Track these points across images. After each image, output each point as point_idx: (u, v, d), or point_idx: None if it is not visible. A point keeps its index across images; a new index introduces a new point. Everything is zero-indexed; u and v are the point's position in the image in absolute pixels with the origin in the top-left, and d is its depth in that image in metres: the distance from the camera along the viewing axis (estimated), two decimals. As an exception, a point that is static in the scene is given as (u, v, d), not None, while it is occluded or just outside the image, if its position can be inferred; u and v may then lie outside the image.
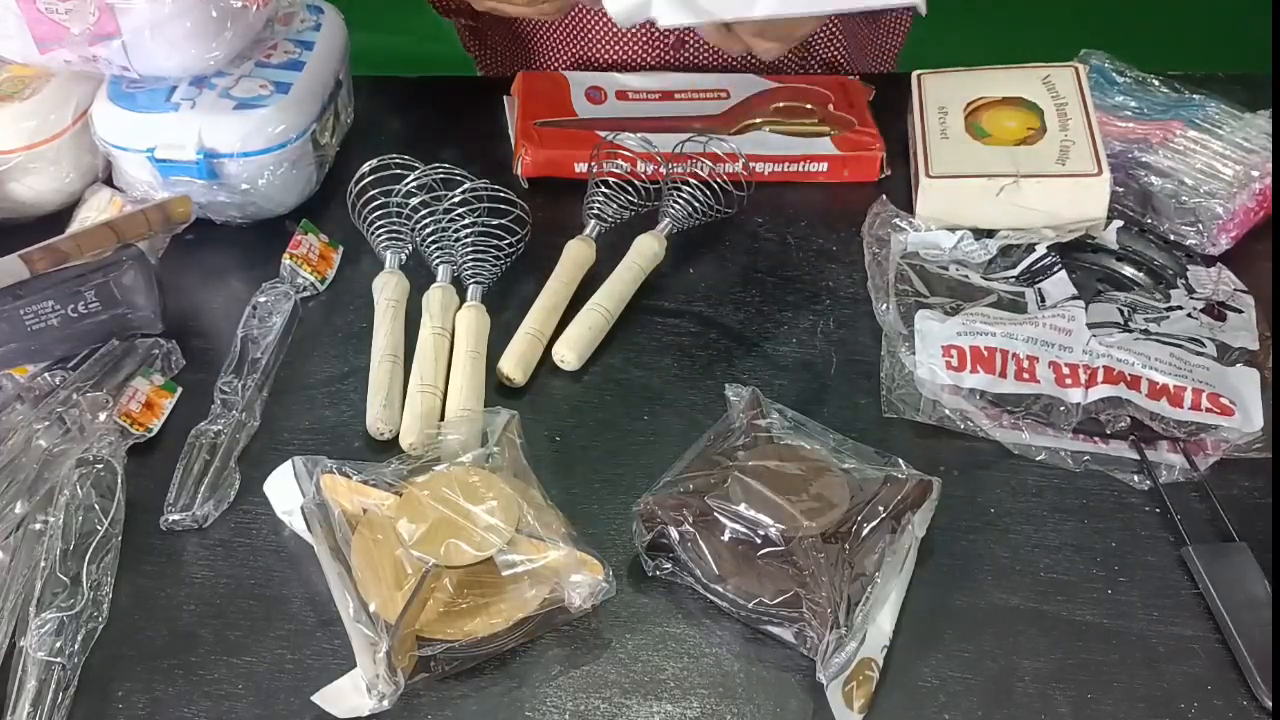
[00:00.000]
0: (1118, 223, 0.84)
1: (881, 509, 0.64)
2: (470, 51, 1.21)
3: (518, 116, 0.95)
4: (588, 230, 0.86)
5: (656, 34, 1.03)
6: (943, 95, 0.93)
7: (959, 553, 0.68)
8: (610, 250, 0.84)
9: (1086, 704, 0.61)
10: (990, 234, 0.85)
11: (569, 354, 0.78)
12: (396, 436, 0.73)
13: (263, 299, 0.81)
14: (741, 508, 0.63)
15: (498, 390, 0.77)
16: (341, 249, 0.87)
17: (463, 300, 0.81)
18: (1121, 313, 0.78)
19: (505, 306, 0.82)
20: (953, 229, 0.85)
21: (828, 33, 1.06)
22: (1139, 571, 0.67)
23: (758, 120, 0.96)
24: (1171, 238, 0.85)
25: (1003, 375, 0.74)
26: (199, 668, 0.62)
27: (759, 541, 0.63)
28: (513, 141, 0.95)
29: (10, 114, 0.85)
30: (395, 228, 0.85)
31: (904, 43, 1.15)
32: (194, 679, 0.62)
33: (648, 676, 0.62)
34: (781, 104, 0.97)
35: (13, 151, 0.85)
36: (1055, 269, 0.81)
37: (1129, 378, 0.73)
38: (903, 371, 0.77)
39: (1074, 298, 0.78)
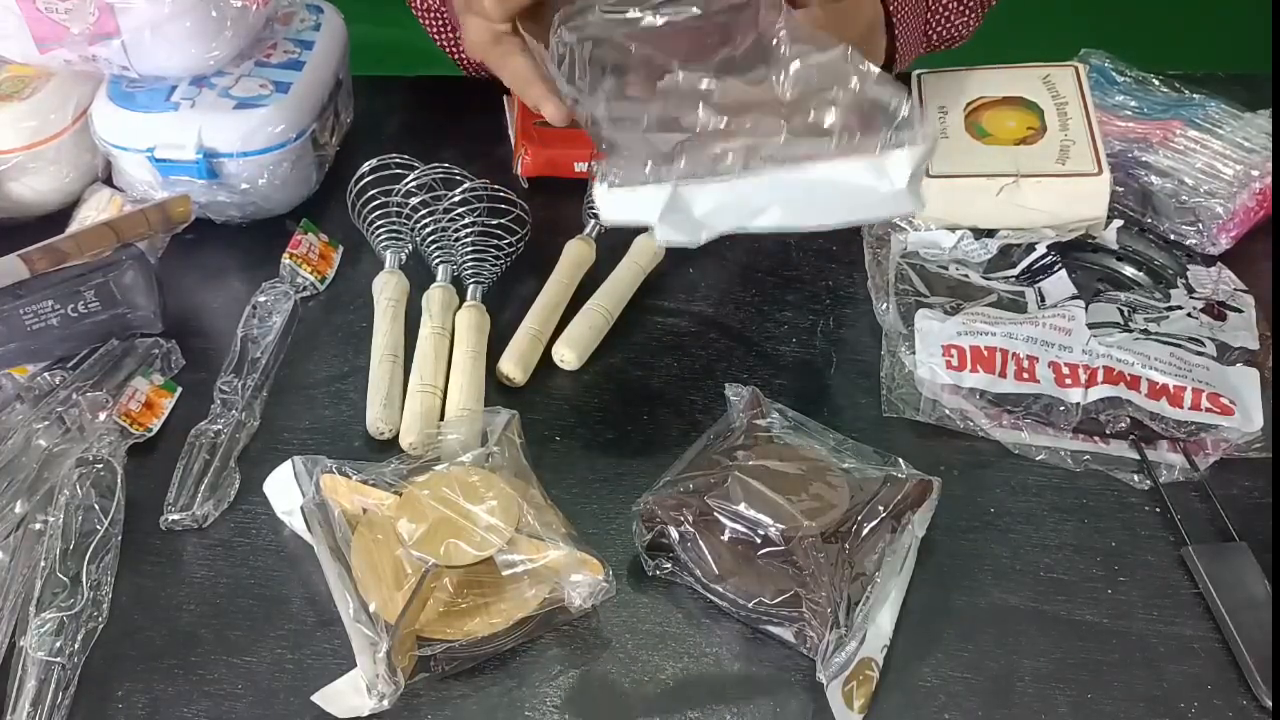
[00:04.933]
0: (1118, 222, 0.84)
1: (881, 509, 0.64)
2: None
3: (518, 116, 0.95)
4: (588, 230, 0.86)
5: None
6: (943, 95, 0.93)
7: (959, 553, 0.68)
8: (610, 250, 0.84)
9: (1086, 704, 0.61)
10: (990, 234, 0.85)
11: (569, 353, 0.78)
12: (396, 436, 0.73)
13: (263, 299, 0.81)
14: (741, 507, 0.63)
15: (498, 390, 0.77)
16: (341, 249, 0.87)
17: (463, 300, 0.81)
18: (1121, 312, 0.78)
19: (505, 306, 0.82)
20: (953, 229, 0.85)
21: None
22: (1139, 571, 0.67)
23: (758, 120, 0.96)
24: (1171, 237, 0.85)
25: (1003, 375, 0.74)
26: (199, 668, 0.62)
27: (759, 541, 0.63)
28: (513, 141, 0.95)
29: (10, 114, 0.85)
30: (395, 227, 0.85)
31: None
32: (194, 679, 0.62)
33: (648, 676, 0.62)
34: (781, 104, 0.97)
35: (13, 151, 0.85)
36: (1055, 268, 0.81)
37: (1129, 377, 0.73)
38: (903, 371, 0.76)
39: (1074, 297, 0.78)
